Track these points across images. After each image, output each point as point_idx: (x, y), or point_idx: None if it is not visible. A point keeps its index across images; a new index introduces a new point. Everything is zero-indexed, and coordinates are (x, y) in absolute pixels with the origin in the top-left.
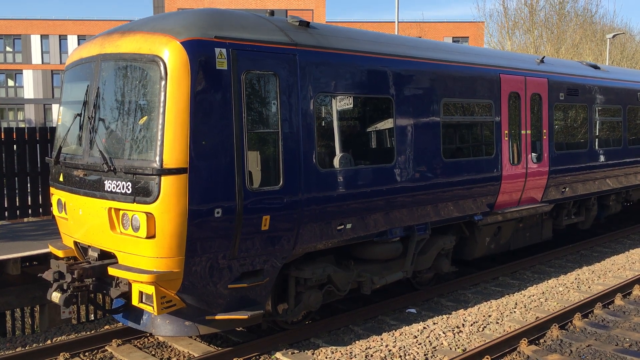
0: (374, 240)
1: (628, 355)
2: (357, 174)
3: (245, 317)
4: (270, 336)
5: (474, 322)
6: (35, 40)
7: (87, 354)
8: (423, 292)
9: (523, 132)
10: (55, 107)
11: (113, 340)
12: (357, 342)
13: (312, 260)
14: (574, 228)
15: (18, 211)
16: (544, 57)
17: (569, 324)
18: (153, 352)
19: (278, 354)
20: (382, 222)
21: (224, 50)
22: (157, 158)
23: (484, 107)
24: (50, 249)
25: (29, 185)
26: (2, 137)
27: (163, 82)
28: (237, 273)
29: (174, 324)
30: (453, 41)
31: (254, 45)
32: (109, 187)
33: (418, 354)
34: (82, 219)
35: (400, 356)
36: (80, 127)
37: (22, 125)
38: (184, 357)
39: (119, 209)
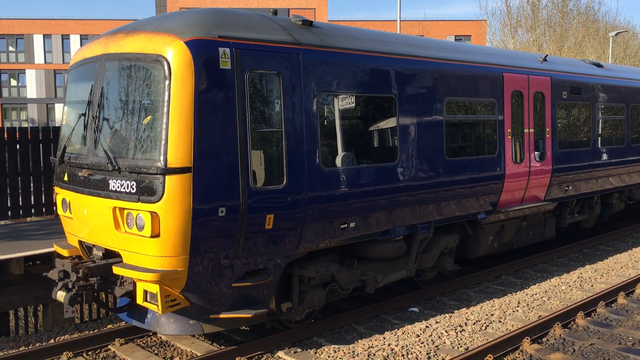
0: (378, 239)
1: (631, 354)
2: (361, 173)
3: (249, 315)
4: (273, 335)
5: (477, 321)
6: (37, 40)
7: (90, 353)
8: (425, 291)
9: (526, 130)
10: (58, 107)
11: (116, 340)
12: (359, 341)
13: (316, 259)
14: (577, 227)
15: (21, 211)
16: (546, 55)
17: (572, 322)
18: (156, 351)
19: (280, 353)
20: (386, 221)
21: (227, 50)
22: (162, 157)
23: (487, 106)
24: (55, 248)
25: (32, 184)
26: (5, 136)
27: (167, 82)
28: (241, 272)
29: (178, 323)
30: (455, 40)
31: (258, 44)
32: (114, 187)
33: (421, 352)
34: (86, 218)
35: (402, 355)
36: (85, 127)
37: (25, 125)
38: (187, 356)
39: (124, 208)
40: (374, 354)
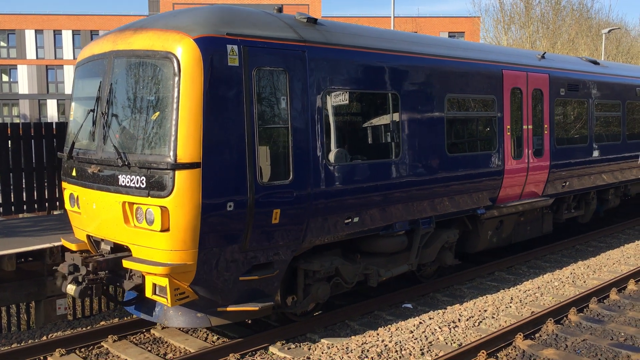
0: (380, 233)
1: (623, 350)
2: (365, 168)
3: (256, 308)
4: (267, 332)
5: (470, 317)
6: (29, 35)
7: (83, 350)
8: (419, 287)
9: (525, 127)
10: (50, 103)
11: (109, 336)
12: (353, 337)
13: (320, 253)
14: (574, 222)
15: (13, 207)
16: (544, 52)
17: (565, 318)
18: (149, 348)
19: (274, 349)
20: (388, 215)
21: (235, 47)
22: (171, 153)
23: (487, 103)
24: (63, 242)
25: (23, 181)
26: None
27: (176, 79)
28: (248, 265)
29: (187, 316)
30: (449, 36)
31: (265, 42)
32: (123, 182)
33: (414, 348)
34: (95, 213)
35: (396, 351)
36: (94, 123)
37: (16, 120)
38: (180, 352)
39: (133, 203)
40: (368, 350)
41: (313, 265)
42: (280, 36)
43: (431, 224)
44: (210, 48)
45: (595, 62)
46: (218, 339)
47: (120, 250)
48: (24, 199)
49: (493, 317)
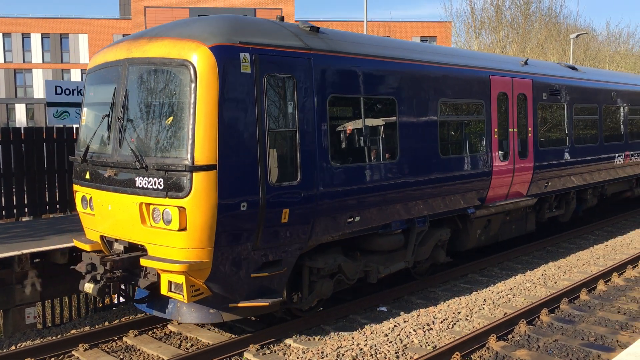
0: (379, 232)
1: (594, 350)
2: (365, 170)
3: (267, 304)
4: (242, 336)
5: (444, 320)
6: None
7: (52, 359)
8: (394, 290)
9: (511, 130)
10: (18, 107)
11: (80, 345)
12: (328, 341)
13: (323, 251)
14: (555, 221)
15: None
16: (527, 59)
17: (536, 319)
18: (121, 356)
19: (249, 355)
20: (387, 215)
21: (247, 55)
22: (189, 155)
23: (476, 107)
24: (75, 243)
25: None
26: None
27: (193, 85)
28: (258, 263)
29: (200, 312)
30: (421, 41)
31: (274, 49)
32: (140, 184)
33: (389, 352)
34: (111, 214)
35: (371, 355)
36: (109, 127)
37: None
38: (153, 359)
39: (150, 204)
40: (343, 354)
41: (318, 263)
42: (288, 44)
43: (426, 223)
44: (225, 56)
45: (574, 68)
46: (192, 345)
47: (134, 249)
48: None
49: (467, 319)
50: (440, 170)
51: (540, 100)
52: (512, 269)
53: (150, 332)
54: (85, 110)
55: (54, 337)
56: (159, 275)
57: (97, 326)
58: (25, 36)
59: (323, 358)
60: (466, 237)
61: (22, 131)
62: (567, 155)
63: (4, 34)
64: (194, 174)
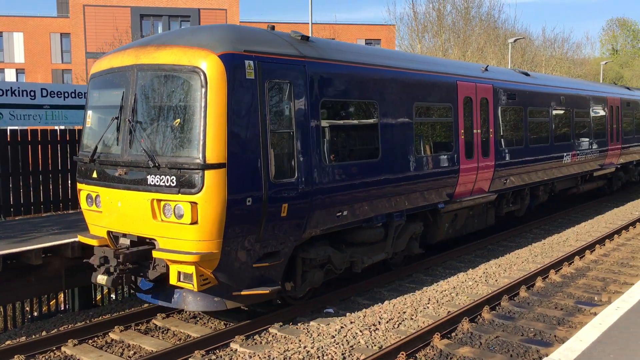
0: (362, 225)
1: (533, 345)
2: (352, 168)
3: (267, 291)
4: (186, 342)
5: (390, 319)
6: None
7: (41, 355)
8: (341, 291)
9: (475, 131)
10: None
11: (69, 341)
12: (275, 344)
13: (313, 244)
14: (511, 215)
15: None
16: (487, 66)
17: (479, 316)
18: (110, 351)
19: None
20: (370, 209)
21: (251, 62)
22: (201, 155)
23: (446, 110)
24: (80, 239)
25: None
26: None
27: (204, 90)
28: (260, 254)
29: (205, 300)
30: (366, 43)
31: (273, 57)
32: (152, 181)
33: (336, 353)
34: (120, 210)
35: (318, 357)
36: (117, 129)
37: None
38: (138, 352)
39: (161, 200)
40: (290, 357)
41: (310, 254)
42: (285, 52)
43: (402, 217)
44: (232, 63)
45: (527, 74)
46: (180, 340)
47: (141, 244)
48: None
49: (412, 319)
50: (416, 168)
51: (500, 104)
52: (455, 267)
53: (90, 341)
54: (89, 112)
55: (43, 334)
56: (167, 267)
57: (33, 336)
58: None
59: None
60: (436, 231)
61: None
62: (522, 154)
63: None
64: (206, 171)
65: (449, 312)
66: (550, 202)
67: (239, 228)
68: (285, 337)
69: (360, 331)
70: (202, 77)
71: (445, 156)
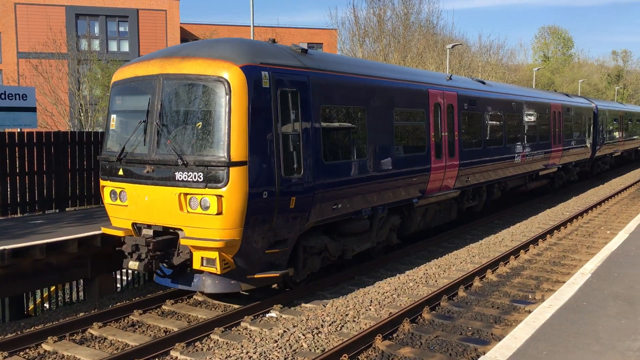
0: (352, 217)
1: (471, 343)
2: (346, 166)
3: (277, 274)
4: (124, 352)
5: (332, 322)
6: None
7: (21, 352)
8: (284, 294)
9: (443, 134)
10: None
11: (49, 338)
12: (217, 350)
13: (311, 234)
14: (470, 210)
15: None
16: (451, 75)
17: (419, 317)
18: (92, 345)
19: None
20: (359, 203)
21: (267, 73)
22: (226, 154)
23: (419, 115)
24: (104, 230)
25: None
26: None
27: (228, 97)
28: (272, 241)
29: (222, 283)
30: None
31: (283, 68)
32: (180, 177)
33: (279, 358)
34: (147, 204)
35: None
36: (144, 131)
37: None
38: (124, 346)
39: (187, 194)
40: None
41: (310, 242)
42: (292, 64)
43: (384, 210)
44: (251, 74)
45: (483, 82)
46: (118, 349)
47: (165, 234)
48: None
49: (354, 321)
50: (396, 166)
51: (463, 110)
52: (397, 269)
53: (22, 353)
54: (113, 116)
55: (23, 332)
56: (191, 253)
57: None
58: None
59: None
60: (410, 223)
61: None
62: (481, 155)
63: None
64: (231, 168)
65: (390, 313)
66: (503, 198)
67: (256, 218)
68: (227, 343)
69: (303, 335)
70: (226, 86)
71: (420, 156)
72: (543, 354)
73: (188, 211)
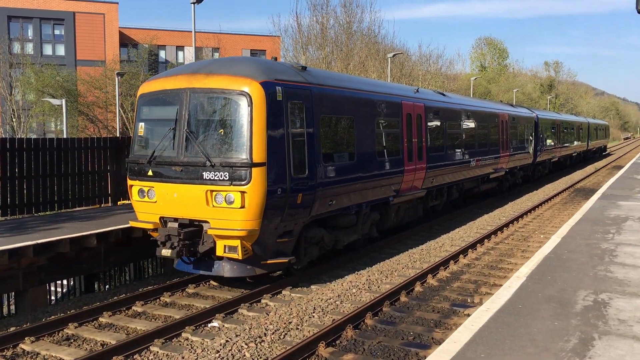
0: (341, 213)
1: (412, 348)
2: (340, 167)
3: (286, 260)
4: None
5: (276, 330)
6: None
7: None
8: (226, 303)
9: (413, 140)
10: None
11: (26, 338)
12: None
13: (310, 227)
14: (433, 209)
15: None
16: (418, 88)
17: (362, 323)
18: (69, 344)
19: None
20: (348, 200)
21: (280, 88)
22: (248, 156)
23: (395, 123)
24: (132, 224)
25: None
26: None
27: (249, 108)
28: (282, 231)
29: (240, 268)
30: (251, 54)
31: (291, 84)
32: (207, 176)
33: None
34: (175, 200)
35: None
36: (173, 137)
37: None
38: (102, 344)
39: (213, 190)
40: None
41: (311, 233)
42: (298, 80)
43: (368, 207)
44: (268, 88)
45: (443, 94)
46: (103, 345)
47: (190, 226)
48: None
49: (297, 328)
50: (378, 168)
51: (429, 119)
52: (340, 276)
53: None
54: (141, 124)
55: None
56: (214, 242)
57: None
58: None
59: None
60: (386, 219)
61: None
62: (444, 159)
63: None
64: (253, 168)
65: (333, 320)
66: (460, 199)
67: (272, 211)
68: (167, 355)
69: (246, 344)
70: (249, 99)
71: (395, 159)
72: (481, 357)
73: (213, 205)
